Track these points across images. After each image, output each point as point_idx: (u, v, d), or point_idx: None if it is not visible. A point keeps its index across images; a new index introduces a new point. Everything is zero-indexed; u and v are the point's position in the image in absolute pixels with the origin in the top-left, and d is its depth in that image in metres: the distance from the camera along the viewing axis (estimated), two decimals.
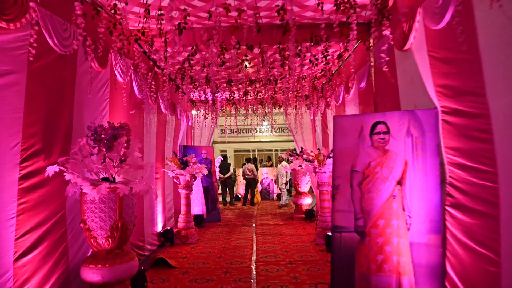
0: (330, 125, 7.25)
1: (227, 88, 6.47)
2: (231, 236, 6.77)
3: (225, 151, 22.59)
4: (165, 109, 6.35)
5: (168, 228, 6.12)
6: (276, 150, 23.43)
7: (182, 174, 6.24)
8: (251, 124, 9.86)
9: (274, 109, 9.49)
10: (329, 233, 5.59)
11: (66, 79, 3.10)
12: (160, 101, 6.08)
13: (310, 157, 6.34)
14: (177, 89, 6.27)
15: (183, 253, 5.55)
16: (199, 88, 6.18)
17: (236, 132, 22.98)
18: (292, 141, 20.59)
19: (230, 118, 9.49)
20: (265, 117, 9.92)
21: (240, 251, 5.65)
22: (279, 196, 11.44)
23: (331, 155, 6.16)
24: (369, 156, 3.35)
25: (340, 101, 6.24)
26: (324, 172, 6.09)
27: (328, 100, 6.95)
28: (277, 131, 22.90)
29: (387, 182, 3.28)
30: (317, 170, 6.17)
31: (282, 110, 9.23)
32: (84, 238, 3.21)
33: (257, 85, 6.52)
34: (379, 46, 3.88)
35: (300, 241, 6.30)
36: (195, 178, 6.52)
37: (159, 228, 6.06)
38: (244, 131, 23.11)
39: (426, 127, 3.16)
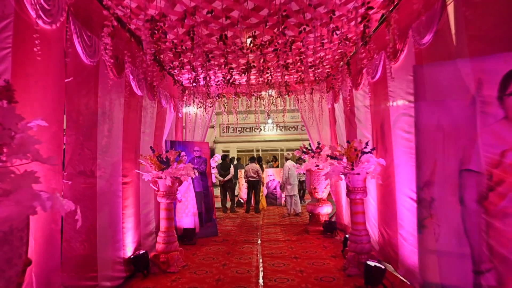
0: (358, 112, 5.53)
1: (222, 60, 4.78)
2: (229, 260, 5.06)
3: (228, 150, 20.97)
4: (139, 88, 4.67)
5: (141, 252, 4.41)
6: (282, 150, 21.74)
7: (161, 177, 4.54)
8: (255, 114, 8.19)
9: (281, 101, 7.82)
10: (369, 263, 3.89)
11: None
12: (130, 75, 4.40)
13: (337, 153, 4.62)
14: (154, 58, 4.56)
15: None
16: (182, 58, 4.48)
17: (239, 131, 21.40)
18: (299, 140, 19.03)
19: (232, 106, 7.75)
20: (272, 110, 8.18)
21: (241, 287, 3.95)
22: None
23: (366, 149, 4.46)
24: (500, 140, 1.63)
25: (378, 76, 4.52)
26: (358, 174, 4.38)
27: (358, 77, 5.22)
28: (283, 129, 21.25)
29: None
30: (347, 171, 4.45)
31: (288, 107, 7.59)
32: None
33: (263, 60, 4.81)
34: None
35: (323, 269, 4.57)
36: (181, 182, 4.83)
37: (129, 251, 4.36)
38: (247, 129, 21.49)
39: None
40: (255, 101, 8.03)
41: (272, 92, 7.46)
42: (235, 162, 11.83)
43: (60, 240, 2.83)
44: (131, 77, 4.44)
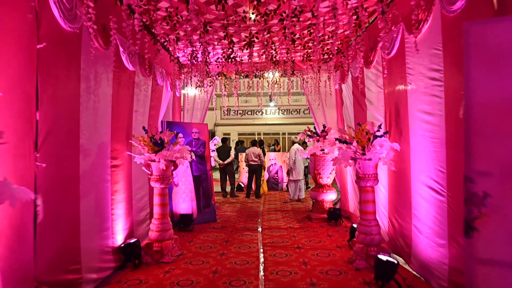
0: (370, 93, 5.10)
1: (222, 33, 4.32)
2: (227, 249, 4.74)
3: (228, 133, 20.59)
4: (130, 62, 4.24)
5: (132, 241, 4.08)
6: (284, 134, 21.37)
7: (154, 160, 4.17)
8: (257, 96, 7.75)
9: (285, 79, 7.36)
10: (381, 257, 3.56)
11: None
12: (120, 47, 3.97)
13: (346, 137, 4.22)
14: (146, 29, 4.10)
15: (149, 284, 3.54)
16: (177, 29, 4.02)
17: (240, 114, 20.95)
18: (301, 123, 18.60)
19: (234, 86, 7.31)
20: (274, 93, 7.72)
21: (239, 280, 3.63)
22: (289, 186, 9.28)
23: (379, 133, 4.07)
24: None
25: (394, 51, 4.07)
26: (370, 159, 4.00)
27: (371, 53, 4.77)
28: (285, 112, 20.80)
29: None
30: (357, 156, 4.07)
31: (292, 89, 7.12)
32: None
33: (267, 31, 4.34)
34: None
35: (329, 260, 4.25)
36: (176, 166, 4.46)
37: (119, 240, 4.04)
38: (249, 112, 21.05)
39: None
40: (257, 81, 7.58)
41: (276, 74, 7.02)
42: (239, 145, 11.47)
43: (34, 230, 2.48)
44: (121, 49, 4.02)
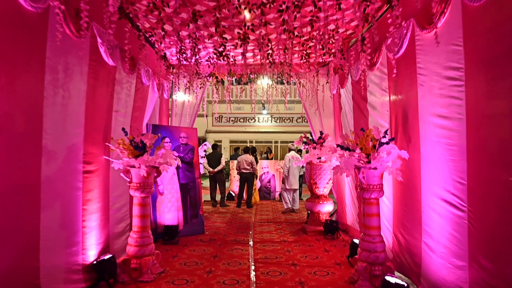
0: (372, 97, 4.73)
1: (213, 29, 3.90)
2: (215, 266, 4.26)
3: (220, 141, 20.12)
4: (110, 57, 3.79)
5: (106, 257, 3.59)
6: (276, 142, 20.99)
7: (134, 166, 3.70)
8: (251, 103, 7.37)
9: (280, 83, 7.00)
10: (388, 279, 3.14)
11: None
12: (98, 38, 3.52)
13: (349, 143, 3.82)
14: (123, 17, 3.64)
15: None
16: (162, 16, 3.58)
17: (232, 121, 20.52)
18: (294, 132, 18.28)
19: (226, 88, 6.90)
20: (268, 100, 7.33)
21: None
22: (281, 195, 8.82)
23: (384, 140, 3.68)
24: None
25: (402, 50, 3.71)
26: (375, 168, 3.59)
27: (375, 54, 4.40)
28: (278, 120, 20.46)
29: None
30: (361, 164, 3.66)
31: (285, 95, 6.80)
32: None
33: (264, 23, 3.94)
34: None
35: (328, 280, 3.81)
36: (159, 172, 4.00)
37: (91, 256, 3.53)
38: (241, 119, 20.64)
39: None
40: (250, 85, 7.18)
41: (270, 81, 6.65)
42: (235, 152, 11.10)
43: None
44: (99, 40, 3.57)
